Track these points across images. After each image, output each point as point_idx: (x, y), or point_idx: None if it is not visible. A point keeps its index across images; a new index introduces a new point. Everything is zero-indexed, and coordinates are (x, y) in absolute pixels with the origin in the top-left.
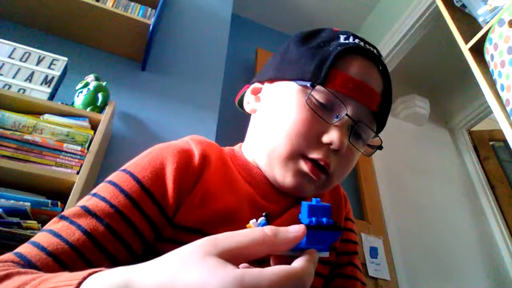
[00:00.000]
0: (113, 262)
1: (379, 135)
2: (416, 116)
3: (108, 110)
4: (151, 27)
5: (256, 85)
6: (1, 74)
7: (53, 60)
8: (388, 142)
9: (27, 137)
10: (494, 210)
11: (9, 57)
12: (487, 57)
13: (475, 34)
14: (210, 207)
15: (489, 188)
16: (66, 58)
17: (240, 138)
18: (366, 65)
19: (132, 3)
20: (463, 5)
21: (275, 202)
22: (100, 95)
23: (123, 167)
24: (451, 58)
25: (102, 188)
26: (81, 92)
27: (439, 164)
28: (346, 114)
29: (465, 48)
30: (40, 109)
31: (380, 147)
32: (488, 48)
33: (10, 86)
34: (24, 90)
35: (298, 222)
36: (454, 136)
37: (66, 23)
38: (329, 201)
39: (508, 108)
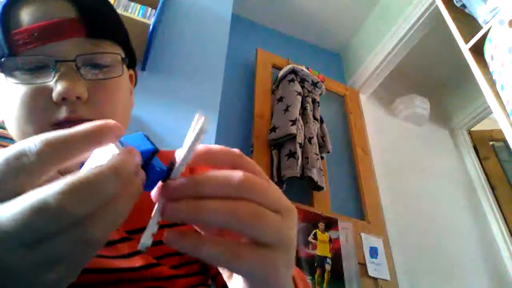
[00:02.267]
0: None
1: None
2: (416, 116)
3: None
4: (151, 27)
5: None
6: None
7: None
8: (388, 142)
9: None
10: (494, 210)
11: None
12: (487, 57)
13: (475, 34)
14: None
15: (489, 188)
16: None
17: (240, 137)
18: (34, 3)
19: (132, 3)
20: (463, 5)
21: None
22: None
23: None
24: (451, 58)
25: None
26: None
27: (439, 164)
28: (55, 61)
29: (465, 48)
30: None
31: (124, 60)
32: (488, 48)
33: None
34: None
35: None
36: (454, 136)
37: None
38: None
39: (508, 108)
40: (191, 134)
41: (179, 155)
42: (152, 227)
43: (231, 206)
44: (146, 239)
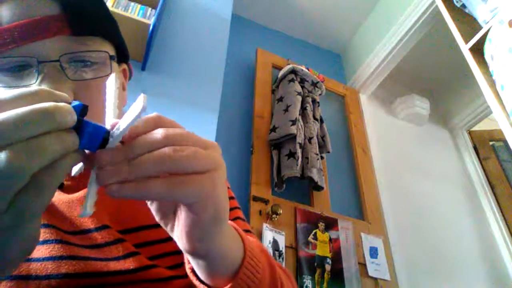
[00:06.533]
0: None
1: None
2: (416, 116)
3: None
4: (151, 27)
5: None
6: None
7: None
8: (388, 142)
9: None
10: (494, 210)
11: None
12: (487, 57)
13: (475, 34)
14: None
15: (489, 188)
16: None
17: (240, 137)
18: (15, 0)
19: (132, 3)
20: (463, 5)
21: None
22: None
23: None
24: (451, 58)
25: None
26: None
27: (439, 164)
28: (38, 62)
29: (465, 48)
30: None
31: (112, 57)
32: (488, 48)
33: None
34: None
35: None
36: (454, 136)
37: None
38: None
39: (508, 108)
40: (132, 112)
41: (117, 126)
42: (93, 196)
43: (158, 153)
44: (89, 209)
